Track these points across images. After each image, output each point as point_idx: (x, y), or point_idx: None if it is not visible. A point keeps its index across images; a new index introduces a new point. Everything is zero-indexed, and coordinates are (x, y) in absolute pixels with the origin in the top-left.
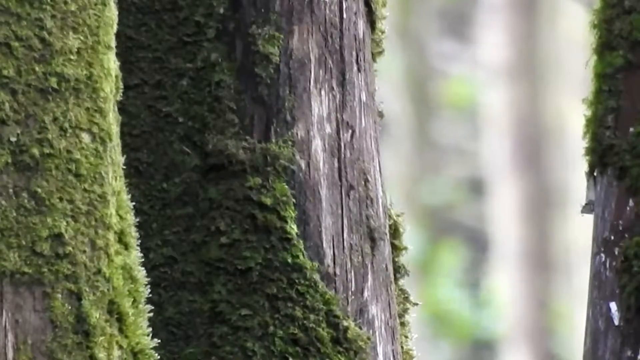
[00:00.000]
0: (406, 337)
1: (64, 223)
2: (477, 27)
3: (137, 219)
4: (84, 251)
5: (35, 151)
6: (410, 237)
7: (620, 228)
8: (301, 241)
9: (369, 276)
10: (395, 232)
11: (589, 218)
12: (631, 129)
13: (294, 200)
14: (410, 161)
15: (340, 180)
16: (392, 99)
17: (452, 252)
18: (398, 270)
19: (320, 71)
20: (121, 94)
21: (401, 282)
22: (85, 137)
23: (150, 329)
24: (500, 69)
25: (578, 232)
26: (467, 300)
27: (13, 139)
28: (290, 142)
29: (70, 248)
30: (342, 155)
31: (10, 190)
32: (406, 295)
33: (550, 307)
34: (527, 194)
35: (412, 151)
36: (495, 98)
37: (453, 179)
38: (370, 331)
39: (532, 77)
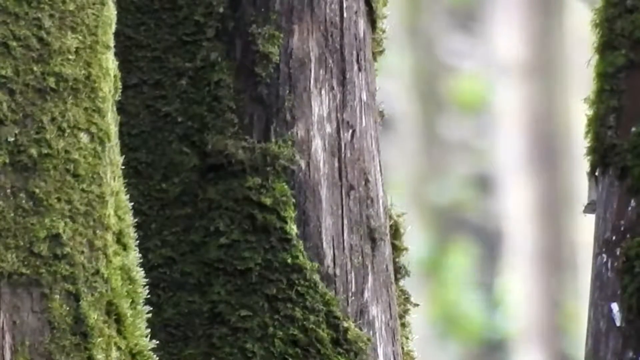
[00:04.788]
0: (407, 338)
1: (62, 224)
2: (490, 24)
3: (136, 220)
4: (82, 252)
5: (33, 151)
6: (419, 237)
7: (622, 228)
8: (301, 241)
9: (370, 277)
10: (395, 232)
11: None
12: (633, 129)
13: (293, 200)
14: (418, 160)
15: (341, 180)
16: (401, 96)
17: (462, 252)
18: (399, 270)
19: (321, 70)
20: (120, 94)
21: (402, 282)
22: (84, 137)
23: (149, 330)
24: (514, 66)
25: (590, 232)
26: (479, 300)
27: (11, 139)
28: (290, 142)
29: (68, 249)
30: (343, 155)
31: (8, 191)
32: (407, 295)
33: (563, 307)
34: (540, 193)
35: (420, 149)
36: (508, 96)
37: (461, 178)
38: (371, 332)
39: (547, 75)
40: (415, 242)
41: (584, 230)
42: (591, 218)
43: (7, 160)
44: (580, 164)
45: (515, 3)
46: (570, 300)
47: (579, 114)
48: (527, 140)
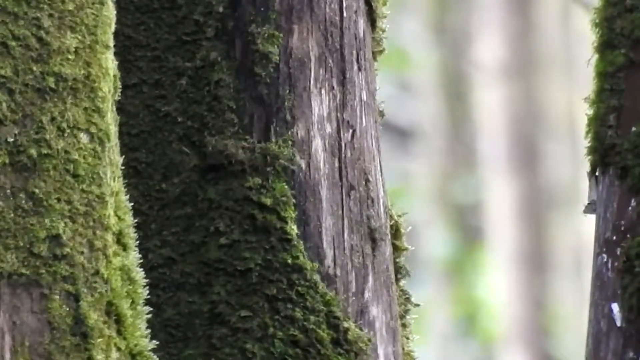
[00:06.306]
0: (407, 338)
1: (62, 224)
2: (473, 26)
3: (136, 220)
4: (82, 252)
5: (33, 151)
6: (444, 237)
7: (622, 228)
8: (301, 242)
9: (370, 277)
10: (396, 232)
11: (586, 218)
12: (633, 128)
13: (294, 200)
14: (444, 160)
15: (341, 180)
16: (427, 96)
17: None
18: (399, 270)
19: (321, 70)
20: (119, 94)
21: (402, 282)
22: (84, 138)
23: (149, 331)
24: (496, 67)
25: (575, 232)
26: None
27: (10, 140)
28: (290, 142)
29: (68, 249)
30: (343, 155)
31: (8, 191)
32: (407, 296)
33: (547, 308)
34: (523, 194)
35: (446, 150)
36: (491, 97)
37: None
38: (371, 332)
39: (528, 75)
40: (441, 242)
41: (568, 230)
42: (576, 218)
43: (7, 160)
44: (563, 164)
45: (494, 3)
46: (554, 301)
47: (560, 114)
48: (509, 141)
